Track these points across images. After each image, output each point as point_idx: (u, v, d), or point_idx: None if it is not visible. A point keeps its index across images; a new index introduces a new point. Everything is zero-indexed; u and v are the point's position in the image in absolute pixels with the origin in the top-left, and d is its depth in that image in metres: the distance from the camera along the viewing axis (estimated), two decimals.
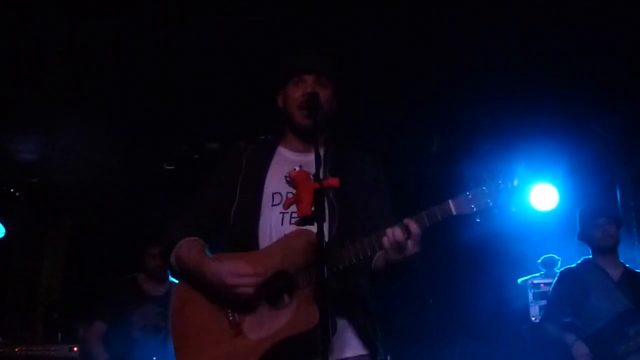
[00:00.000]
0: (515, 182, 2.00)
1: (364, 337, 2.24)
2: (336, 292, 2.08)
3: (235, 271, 2.12)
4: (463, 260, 6.54)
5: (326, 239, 2.01)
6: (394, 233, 1.97)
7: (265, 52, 4.33)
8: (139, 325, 4.57)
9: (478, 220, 2.04)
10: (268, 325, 2.10)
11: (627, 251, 4.74)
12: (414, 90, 5.21)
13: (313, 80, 2.36)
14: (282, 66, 2.46)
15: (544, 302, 5.23)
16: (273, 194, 2.32)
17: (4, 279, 7.35)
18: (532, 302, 5.48)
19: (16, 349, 5.25)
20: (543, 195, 5.87)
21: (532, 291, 5.51)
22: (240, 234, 2.31)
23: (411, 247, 1.99)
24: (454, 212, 2.02)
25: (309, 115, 2.28)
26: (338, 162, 2.38)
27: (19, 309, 7.36)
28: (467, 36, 4.40)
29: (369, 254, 2.07)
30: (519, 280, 5.69)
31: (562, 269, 4.63)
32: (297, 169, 2.27)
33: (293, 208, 2.06)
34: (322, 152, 2.24)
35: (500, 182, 2.01)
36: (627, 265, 4.46)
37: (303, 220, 1.93)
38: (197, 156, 6.23)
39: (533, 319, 5.43)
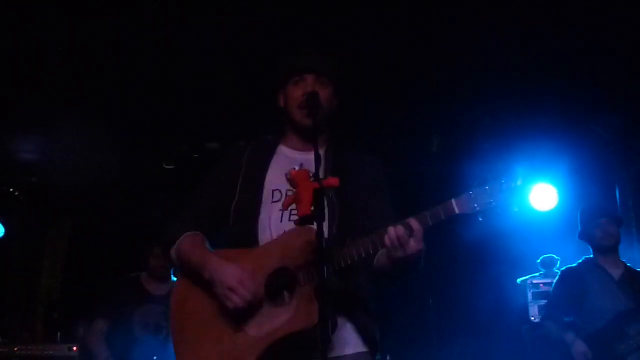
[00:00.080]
0: (519, 182, 2.01)
1: (364, 335, 2.24)
2: (337, 291, 2.08)
3: (238, 276, 2.12)
4: (463, 260, 6.53)
5: (326, 238, 2.01)
6: (396, 231, 1.98)
7: (265, 52, 4.33)
8: (141, 325, 4.57)
9: (480, 219, 2.04)
10: (268, 322, 2.10)
11: (627, 251, 4.74)
12: (414, 90, 5.21)
13: (313, 80, 2.36)
14: (283, 66, 2.46)
15: (543, 302, 5.24)
16: (273, 191, 2.32)
17: (4, 279, 7.34)
18: (531, 302, 5.49)
19: (16, 349, 5.26)
20: (543, 195, 5.87)
21: (532, 291, 5.52)
22: (240, 230, 2.31)
23: (414, 244, 1.99)
24: (457, 211, 2.02)
25: (309, 115, 2.28)
26: (338, 162, 2.38)
27: (19, 309, 7.35)
28: (467, 36, 4.40)
29: (371, 252, 2.07)
30: (519, 280, 5.69)
31: (563, 269, 4.64)
32: (298, 167, 2.27)
33: (293, 206, 2.06)
34: (322, 152, 2.25)
35: (503, 181, 2.01)
36: (628, 264, 4.46)
37: (302, 220, 1.94)
38: (197, 156, 6.23)
39: (532, 318, 5.44)
